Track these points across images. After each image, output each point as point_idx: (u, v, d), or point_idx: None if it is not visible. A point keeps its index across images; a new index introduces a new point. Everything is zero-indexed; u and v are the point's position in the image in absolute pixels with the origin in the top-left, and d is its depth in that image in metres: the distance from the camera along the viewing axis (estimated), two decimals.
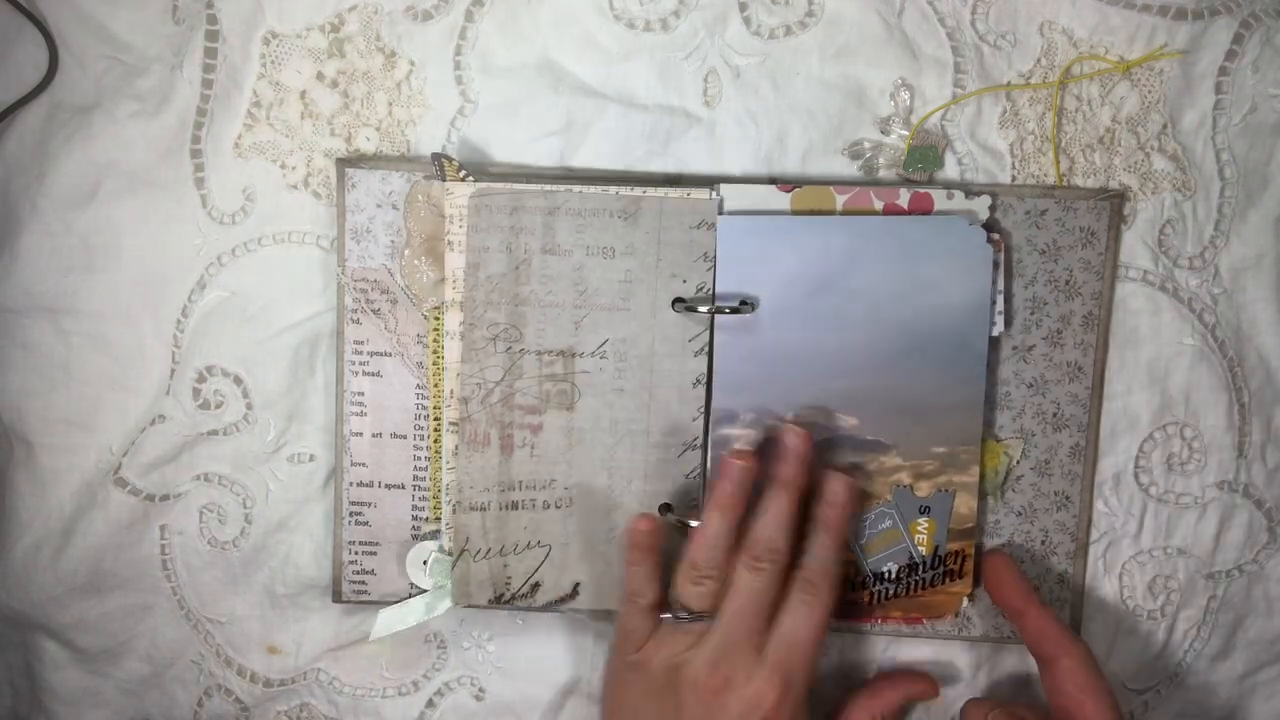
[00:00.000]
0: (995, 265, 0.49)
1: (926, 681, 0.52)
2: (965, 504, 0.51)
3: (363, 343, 0.51)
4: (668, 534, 0.48)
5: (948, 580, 0.51)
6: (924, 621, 0.52)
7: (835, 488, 0.47)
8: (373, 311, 0.51)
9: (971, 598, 0.52)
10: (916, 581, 0.51)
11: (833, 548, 0.47)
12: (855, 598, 0.51)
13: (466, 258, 0.48)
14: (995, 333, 0.50)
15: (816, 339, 0.49)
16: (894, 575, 0.51)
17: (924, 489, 0.51)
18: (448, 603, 0.51)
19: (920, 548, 0.51)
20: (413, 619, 0.51)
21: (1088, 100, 0.51)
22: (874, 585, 0.51)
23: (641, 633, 0.47)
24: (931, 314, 0.49)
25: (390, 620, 0.51)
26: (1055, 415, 0.52)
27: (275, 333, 0.52)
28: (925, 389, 0.50)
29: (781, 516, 0.46)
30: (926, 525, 0.51)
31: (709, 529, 0.46)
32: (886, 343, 0.49)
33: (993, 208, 0.50)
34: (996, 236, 0.49)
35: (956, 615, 0.52)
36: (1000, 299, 0.50)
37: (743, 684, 0.44)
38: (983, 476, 0.51)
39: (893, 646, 0.54)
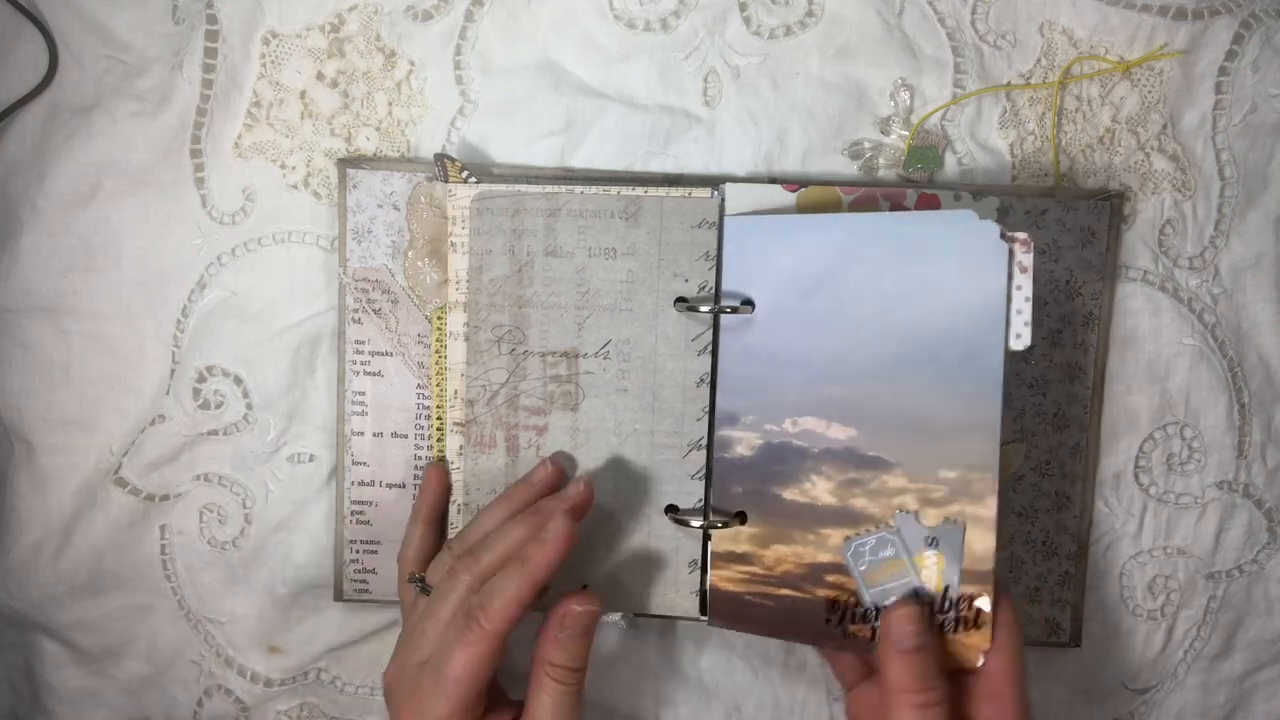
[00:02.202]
0: (1023, 269, 0.43)
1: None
2: (980, 541, 0.44)
3: (364, 342, 0.51)
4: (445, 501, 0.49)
5: (960, 628, 0.44)
6: None
7: (555, 526, 0.43)
8: (374, 311, 0.51)
9: (988, 654, 0.44)
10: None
11: (514, 585, 0.42)
12: (856, 630, 0.45)
13: (470, 260, 0.48)
14: (1020, 347, 0.43)
15: (816, 341, 0.46)
16: None
17: (931, 517, 0.44)
18: None
19: (928, 583, 0.44)
20: None
21: (1088, 100, 0.51)
22: (875, 620, 0.45)
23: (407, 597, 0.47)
24: (939, 319, 0.44)
25: None
26: (1055, 415, 0.52)
27: (275, 333, 0.52)
28: (932, 402, 0.44)
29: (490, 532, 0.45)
30: (935, 559, 0.44)
31: (481, 516, 0.46)
32: (888, 348, 0.45)
33: (1001, 209, 0.49)
34: (1024, 236, 0.43)
35: (974, 672, 0.44)
36: (1028, 308, 0.43)
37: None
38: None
39: None
